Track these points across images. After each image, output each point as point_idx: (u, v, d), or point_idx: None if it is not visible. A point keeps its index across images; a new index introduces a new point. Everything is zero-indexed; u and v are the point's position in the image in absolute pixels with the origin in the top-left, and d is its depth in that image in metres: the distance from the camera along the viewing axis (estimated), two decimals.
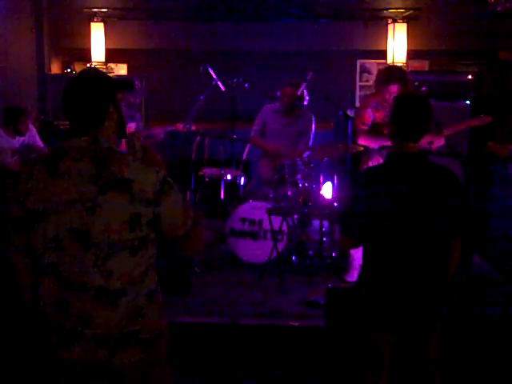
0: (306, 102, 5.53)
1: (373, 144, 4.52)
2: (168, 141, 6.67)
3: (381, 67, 7.45)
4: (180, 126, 5.60)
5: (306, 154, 5.21)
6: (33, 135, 5.43)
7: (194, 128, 5.58)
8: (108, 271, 1.89)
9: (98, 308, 1.91)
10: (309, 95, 5.52)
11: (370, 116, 4.52)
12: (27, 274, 2.02)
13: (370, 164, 4.52)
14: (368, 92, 7.63)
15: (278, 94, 5.56)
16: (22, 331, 2.19)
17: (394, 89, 4.39)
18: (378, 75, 4.72)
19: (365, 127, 4.52)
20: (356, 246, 2.73)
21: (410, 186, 2.50)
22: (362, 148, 5.24)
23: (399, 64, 7.24)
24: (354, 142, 4.82)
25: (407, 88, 4.46)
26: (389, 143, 2.72)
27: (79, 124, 1.95)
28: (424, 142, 4.53)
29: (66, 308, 1.92)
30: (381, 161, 4.37)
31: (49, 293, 1.94)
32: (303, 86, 5.38)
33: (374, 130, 4.51)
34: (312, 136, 5.63)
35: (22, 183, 1.93)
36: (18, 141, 5.24)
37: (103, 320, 1.91)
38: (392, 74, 4.53)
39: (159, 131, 5.80)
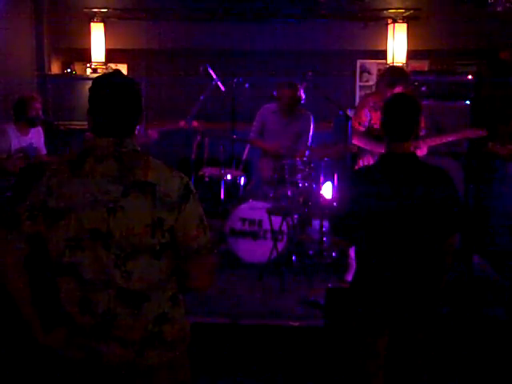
0: (302, 101, 5.54)
1: (364, 146, 4.54)
2: (168, 141, 6.68)
3: (382, 68, 7.50)
4: (182, 123, 5.60)
5: (305, 154, 5.21)
6: (40, 138, 5.44)
7: (195, 124, 5.58)
8: (128, 272, 1.88)
9: (121, 307, 1.90)
10: (308, 95, 5.52)
11: (366, 116, 4.53)
12: (20, 261, 1.96)
13: (361, 164, 4.55)
14: (368, 92, 7.65)
15: (275, 93, 5.56)
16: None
17: (399, 90, 4.42)
18: (381, 76, 4.73)
19: (360, 127, 4.53)
20: (349, 246, 2.74)
21: (400, 185, 2.51)
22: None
23: (399, 64, 7.24)
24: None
25: (409, 89, 4.47)
26: (379, 149, 2.73)
27: (112, 125, 1.92)
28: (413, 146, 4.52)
29: (90, 306, 1.90)
30: (371, 161, 4.39)
31: (70, 293, 1.92)
32: (302, 86, 5.38)
33: (369, 133, 4.52)
34: (311, 136, 5.63)
35: (45, 180, 1.92)
36: (26, 140, 5.24)
37: (127, 321, 1.90)
38: (397, 75, 4.55)
39: (152, 132, 5.83)
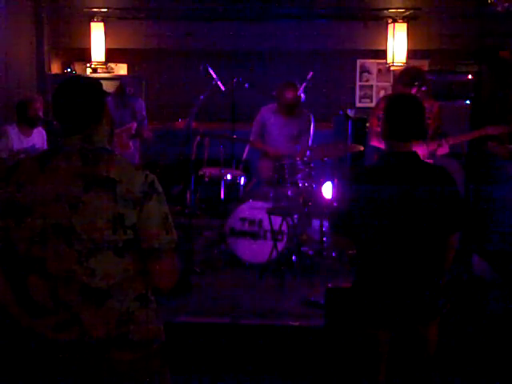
0: (302, 101, 5.54)
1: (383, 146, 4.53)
2: (168, 141, 6.69)
3: (382, 68, 7.51)
4: (180, 124, 5.62)
5: (306, 154, 5.21)
6: (43, 139, 5.44)
7: (194, 124, 5.59)
8: (91, 269, 1.90)
9: (84, 304, 1.92)
10: (308, 95, 5.52)
11: (377, 119, 4.55)
12: None
13: None
14: (368, 92, 7.66)
15: (274, 94, 5.56)
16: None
17: (413, 92, 4.45)
18: (398, 76, 4.73)
19: (379, 129, 4.54)
20: (349, 245, 2.74)
21: (401, 185, 2.51)
22: (362, 148, 5.25)
23: (399, 64, 7.25)
24: (358, 142, 4.84)
25: (426, 90, 4.51)
26: None
27: (74, 123, 1.98)
28: (429, 149, 4.56)
29: (55, 305, 1.93)
30: None
31: (38, 290, 1.95)
32: (302, 86, 5.38)
33: None
34: (312, 135, 5.63)
35: (16, 177, 1.95)
36: (28, 141, 5.24)
37: (90, 319, 1.92)
38: (417, 76, 4.57)
39: (148, 133, 5.92)
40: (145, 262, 1.97)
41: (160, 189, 1.98)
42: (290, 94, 5.45)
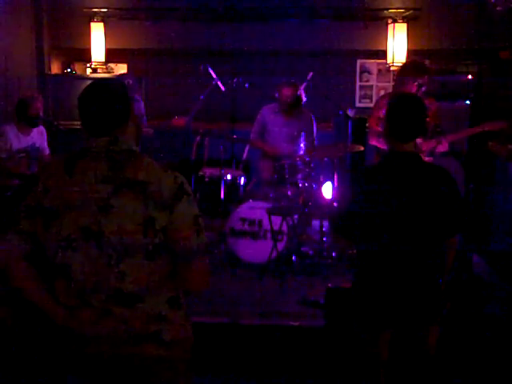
0: (303, 102, 5.54)
1: (382, 146, 4.53)
2: (168, 141, 6.68)
3: (382, 68, 7.51)
4: (179, 121, 5.61)
5: (312, 153, 5.20)
6: (43, 138, 5.44)
7: (193, 124, 5.60)
8: (122, 273, 1.88)
9: (116, 307, 1.91)
10: (308, 95, 5.52)
11: (378, 119, 4.55)
12: (20, 258, 1.96)
13: None
14: (368, 92, 7.66)
15: (277, 95, 5.57)
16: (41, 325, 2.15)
17: (415, 86, 4.45)
18: (401, 71, 4.72)
19: (378, 128, 4.53)
20: (350, 246, 2.74)
21: (403, 185, 2.51)
22: (362, 148, 5.25)
23: (399, 64, 7.24)
24: (358, 142, 4.83)
25: (428, 89, 4.52)
26: None
27: (101, 125, 1.95)
28: (428, 147, 4.57)
29: (83, 309, 1.91)
30: None
31: (65, 294, 1.94)
32: (302, 86, 5.38)
33: None
34: (316, 135, 5.64)
35: (41, 181, 1.95)
36: (27, 140, 5.24)
37: (121, 321, 1.91)
38: (418, 67, 4.57)
39: (148, 131, 5.89)
40: (175, 264, 1.95)
41: (189, 190, 1.96)
42: (288, 92, 5.46)
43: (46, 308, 1.98)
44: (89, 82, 2.06)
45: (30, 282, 1.98)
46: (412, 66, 4.69)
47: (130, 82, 5.93)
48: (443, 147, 4.55)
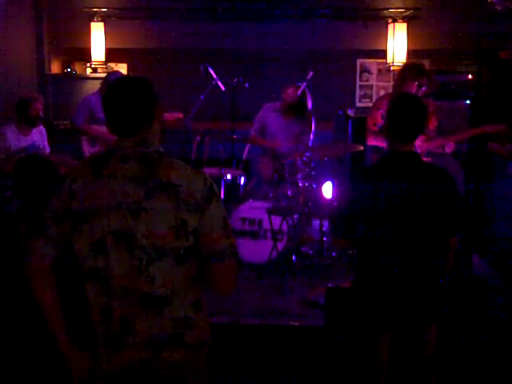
0: (310, 106, 5.52)
1: (382, 145, 4.54)
2: (168, 141, 6.66)
3: (382, 68, 7.51)
4: (168, 116, 5.60)
5: (305, 154, 5.21)
6: (43, 138, 5.43)
7: (193, 124, 5.60)
8: (151, 277, 1.86)
9: (141, 314, 1.87)
10: (310, 97, 5.52)
11: (382, 118, 4.55)
12: (45, 263, 1.92)
13: None
14: (368, 91, 7.66)
15: (282, 96, 5.57)
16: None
17: (415, 87, 4.46)
18: (402, 72, 4.74)
19: (375, 128, 4.54)
20: (350, 246, 2.74)
21: (402, 185, 2.51)
22: (362, 148, 5.25)
23: (399, 64, 7.24)
24: (358, 142, 4.83)
25: (431, 84, 4.53)
26: None
27: (128, 125, 1.92)
28: (434, 145, 4.59)
29: (110, 315, 1.88)
30: None
31: (94, 300, 1.90)
32: (303, 85, 5.38)
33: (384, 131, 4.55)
34: (312, 136, 5.63)
35: (67, 184, 1.90)
36: (27, 140, 5.24)
37: (145, 326, 1.88)
38: (413, 71, 4.59)
39: None
40: (203, 267, 1.92)
41: (218, 192, 1.95)
42: (293, 94, 5.46)
43: (57, 335, 1.95)
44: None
45: (50, 296, 1.94)
46: (411, 67, 4.71)
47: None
48: (450, 147, 4.62)
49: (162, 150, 1.96)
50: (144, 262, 1.85)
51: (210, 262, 1.90)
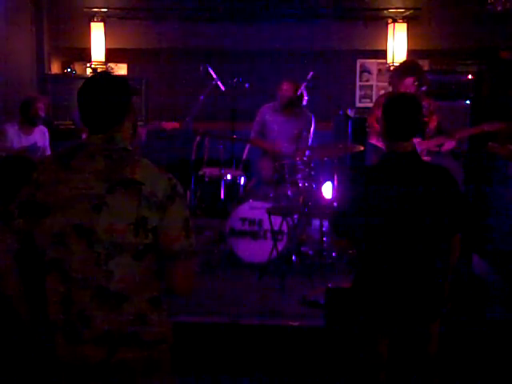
0: (305, 102, 5.54)
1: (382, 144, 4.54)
2: (168, 141, 6.68)
3: (382, 68, 7.52)
4: (165, 125, 5.63)
5: (305, 154, 5.20)
6: (45, 138, 5.44)
7: (193, 124, 5.60)
8: (109, 272, 1.89)
9: (98, 308, 1.90)
10: (308, 95, 5.53)
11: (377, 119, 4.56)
12: (10, 256, 1.98)
13: None
14: (368, 92, 7.66)
15: (277, 93, 5.58)
16: (22, 330, 2.14)
17: (410, 82, 4.46)
18: (393, 71, 4.76)
19: (377, 126, 4.54)
20: (350, 246, 2.74)
21: (402, 185, 2.51)
22: (362, 148, 5.25)
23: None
24: (358, 142, 4.83)
25: (423, 82, 4.52)
26: None
27: (98, 122, 1.95)
28: (434, 144, 4.59)
29: (68, 306, 1.92)
30: None
31: (53, 291, 1.94)
32: (302, 86, 5.38)
33: None
34: (312, 135, 5.64)
35: (36, 175, 1.94)
36: (29, 139, 5.24)
37: (102, 321, 1.91)
38: (406, 67, 4.59)
39: (141, 131, 5.86)
40: (162, 265, 1.95)
41: (182, 192, 1.96)
42: (288, 87, 5.47)
43: (18, 305, 2.03)
44: None
45: (13, 282, 2.01)
46: (403, 65, 4.73)
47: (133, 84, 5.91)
48: (450, 144, 4.60)
49: (130, 148, 2.00)
50: (103, 256, 1.88)
51: (169, 260, 1.93)
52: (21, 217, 1.94)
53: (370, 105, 7.21)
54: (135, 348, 1.94)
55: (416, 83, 4.52)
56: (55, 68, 7.61)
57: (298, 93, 5.42)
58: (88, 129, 1.98)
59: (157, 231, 1.90)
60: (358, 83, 7.71)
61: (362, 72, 7.69)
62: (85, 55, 7.42)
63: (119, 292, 1.90)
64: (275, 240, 4.88)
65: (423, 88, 4.51)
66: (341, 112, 5.08)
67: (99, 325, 1.91)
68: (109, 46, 7.40)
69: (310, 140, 5.63)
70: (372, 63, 7.67)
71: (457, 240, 2.63)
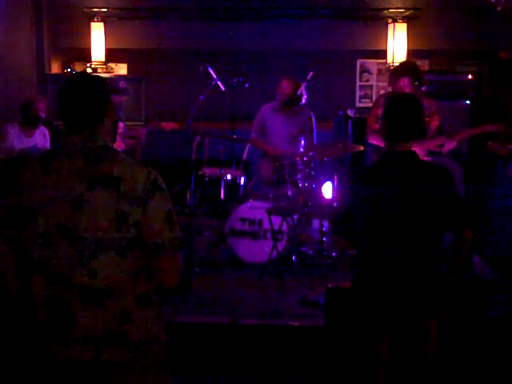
0: (304, 101, 5.54)
1: (382, 144, 4.54)
2: (168, 141, 6.68)
3: (382, 68, 7.53)
4: (164, 125, 5.63)
5: (309, 153, 5.20)
6: (45, 139, 5.43)
7: (193, 124, 5.60)
8: (93, 270, 1.89)
9: (83, 308, 1.91)
10: (308, 95, 5.52)
11: (376, 119, 4.56)
12: (12, 267, 1.99)
13: None
14: (368, 92, 7.66)
15: (277, 91, 5.57)
16: (15, 330, 2.16)
17: (405, 82, 4.46)
18: (390, 71, 4.77)
19: (376, 126, 4.54)
20: (350, 246, 2.74)
21: (401, 184, 2.51)
22: (362, 148, 5.25)
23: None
24: (358, 142, 4.82)
25: (420, 82, 4.52)
26: None
27: (76, 122, 1.97)
28: (434, 144, 4.59)
29: (54, 307, 1.93)
30: None
31: (40, 291, 1.95)
32: (302, 86, 5.38)
33: None
34: (315, 134, 5.64)
35: (18, 179, 1.95)
36: (29, 141, 5.24)
37: (87, 320, 1.91)
38: (402, 67, 4.59)
39: (141, 131, 5.86)
40: (147, 260, 1.95)
41: (163, 185, 1.97)
42: (287, 84, 5.47)
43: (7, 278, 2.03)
44: None
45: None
46: (399, 65, 4.74)
47: (125, 84, 5.93)
48: (451, 145, 4.61)
49: (110, 145, 2.01)
50: (86, 254, 1.89)
51: (152, 253, 1.94)
52: (8, 225, 1.95)
53: (370, 105, 7.21)
54: (123, 349, 1.94)
55: (416, 83, 4.52)
56: (55, 68, 7.61)
57: (298, 93, 5.42)
58: (67, 129, 1.99)
59: (140, 226, 1.90)
60: (357, 83, 7.71)
61: (361, 72, 7.70)
62: (85, 55, 7.42)
63: (103, 289, 1.91)
64: (275, 240, 4.88)
65: (423, 88, 4.51)
66: (341, 112, 5.08)
67: (85, 324, 1.91)
68: (109, 46, 7.40)
69: (314, 139, 5.62)
70: (372, 63, 7.68)
71: (469, 234, 2.59)
